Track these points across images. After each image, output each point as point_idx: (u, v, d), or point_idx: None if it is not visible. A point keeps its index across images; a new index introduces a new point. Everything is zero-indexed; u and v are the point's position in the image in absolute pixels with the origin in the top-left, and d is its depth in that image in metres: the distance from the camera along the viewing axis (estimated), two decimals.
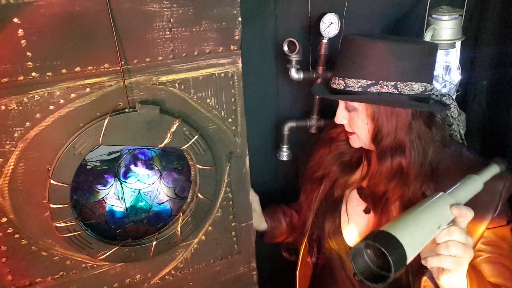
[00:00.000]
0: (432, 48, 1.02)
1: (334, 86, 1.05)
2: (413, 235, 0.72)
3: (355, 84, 1.00)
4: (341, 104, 1.08)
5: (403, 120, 1.00)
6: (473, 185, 0.86)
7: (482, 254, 0.96)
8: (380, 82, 0.98)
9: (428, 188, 1.02)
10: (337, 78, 1.04)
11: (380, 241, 0.68)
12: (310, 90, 1.18)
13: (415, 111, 1.00)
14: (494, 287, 0.92)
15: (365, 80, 0.99)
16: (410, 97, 0.99)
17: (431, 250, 0.79)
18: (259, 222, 1.35)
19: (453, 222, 0.79)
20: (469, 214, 0.79)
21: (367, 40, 0.98)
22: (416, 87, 0.99)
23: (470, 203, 0.86)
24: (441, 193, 0.82)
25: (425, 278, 0.90)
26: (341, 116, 1.09)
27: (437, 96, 1.10)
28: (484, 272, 0.94)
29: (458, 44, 1.48)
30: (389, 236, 0.69)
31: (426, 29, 1.46)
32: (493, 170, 0.93)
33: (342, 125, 1.13)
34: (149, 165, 1.24)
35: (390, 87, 0.98)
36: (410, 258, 0.69)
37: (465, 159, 1.05)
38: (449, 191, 0.83)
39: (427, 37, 1.46)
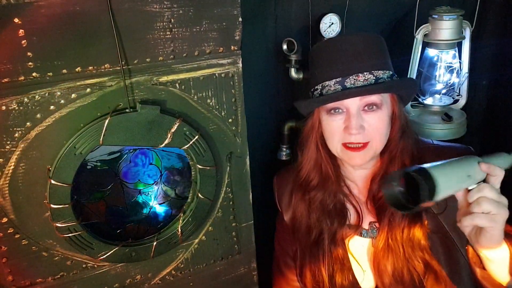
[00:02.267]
0: None
1: (359, 83, 0.93)
2: (445, 174, 0.74)
3: (384, 75, 0.95)
4: (354, 108, 0.94)
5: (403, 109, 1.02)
6: (503, 160, 0.85)
7: None
8: (393, 72, 0.98)
9: None
10: (359, 74, 0.93)
11: (414, 171, 0.72)
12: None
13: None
14: None
15: (389, 71, 0.97)
16: None
17: (465, 212, 0.80)
18: None
19: (485, 180, 0.80)
20: (498, 171, 0.78)
21: (372, 35, 0.98)
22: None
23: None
24: (471, 156, 0.82)
25: (469, 247, 0.88)
26: (359, 123, 0.94)
27: None
28: None
29: (466, 46, 1.49)
30: (423, 171, 0.72)
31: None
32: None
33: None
34: (149, 165, 1.24)
35: (394, 76, 0.99)
36: (440, 192, 0.71)
37: (440, 148, 1.07)
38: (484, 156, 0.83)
39: (419, 36, 1.47)
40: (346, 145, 0.97)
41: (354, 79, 0.93)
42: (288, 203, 1.16)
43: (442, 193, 0.72)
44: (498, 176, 0.79)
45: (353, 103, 0.94)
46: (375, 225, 1.06)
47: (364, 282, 1.07)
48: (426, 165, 0.74)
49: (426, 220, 0.99)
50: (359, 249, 1.07)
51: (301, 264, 1.12)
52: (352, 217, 1.07)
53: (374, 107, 0.95)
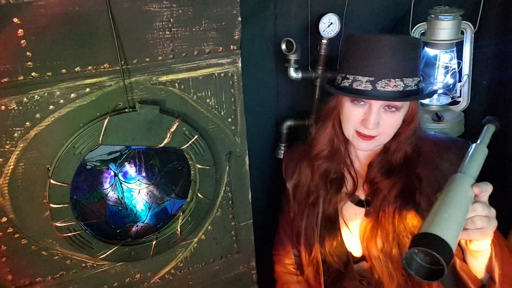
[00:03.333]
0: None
1: (389, 88, 0.99)
2: (451, 228, 0.76)
3: (412, 83, 1.01)
4: (376, 107, 1.01)
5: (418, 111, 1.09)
6: (481, 154, 0.89)
7: None
8: (421, 77, 1.04)
9: (420, 170, 1.07)
10: (391, 80, 0.99)
11: (428, 244, 0.72)
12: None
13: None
14: (508, 247, 0.97)
15: (417, 78, 1.03)
16: None
17: None
18: None
19: (475, 197, 0.83)
20: (488, 188, 0.82)
21: (411, 38, 1.04)
22: None
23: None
24: (458, 175, 0.84)
25: None
26: (377, 120, 1.01)
27: None
28: None
29: (467, 47, 1.48)
30: (433, 237, 0.73)
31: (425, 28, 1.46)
32: (490, 131, 0.97)
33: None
34: (149, 165, 1.25)
35: (421, 82, 1.05)
36: (454, 247, 0.73)
37: (438, 139, 1.13)
38: (462, 168, 0.86)
39: (415, 34, 1.48)
40: (358, 132, 1.06)
41: (385, 83, 0.99)
42: (293, 171, 1.24)
43: (455, 244, 0.74)
44: (488, 191, 0.83)
45: (377, 102, 1.01)
46: (369, 198, 1.13)
47: (353, 249, 1.14)
48: (431, 227, 0.75)
49: (420, 200, 1.04)
50: (352, 216, 1.15)
51: (297, 227, 1.21)
52: (349, 186, 1.16)
53: (394, 108, 1.02)
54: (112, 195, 1.20)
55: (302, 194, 1.21)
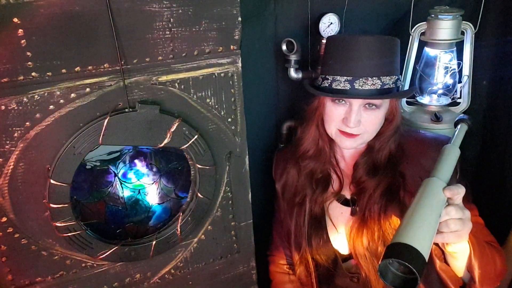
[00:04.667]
0: None
1: (366, 87, 1.01)
2: (424, 236, 0.76)
3: (389, 81, 1.04)
4: (356, 105, 1.04)
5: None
6: (452, 156, 0.90)
7: None
8: (399, 76, 1.07)
9: (404, 168, 1.10)
10: (369, 78, 1.01)
11: (400, 255, 0.73)
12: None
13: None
14: (488, 245, 1.00)
15: (395, 76, 1.05)
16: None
17: None
18: None
19: (449, 200, 0.83)
20: (460, 190, 0.83)
21: (388, 38, 1.05)
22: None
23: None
24: (429, 180, 0.84)
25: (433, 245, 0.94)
26: (357, 118, 1.05)
27: None
28: None
29: (467, 48, 1.48)
30: (405, 247, 0.73)
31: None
32: (463, 130, 0.98)
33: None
34: (149, 165, 1.25)
35: (399, 80, 1.08)
36: (427, 255, 0.73)
37: (421, 137, 1.16)
38: (434, 171, 0.86)
39: (415, 34, 1.47)
40: (340, 131, 1.09)
41: (363, 82, 1.02)
42: (281, 172, 1.28)
43: (428, 251, 0.74)
44: (461, 194, 0.83)
45: (356, 101, 1.04)
46: (355, 197, 1.15)
47: (340, 248, 1.16)
48: (403, 236, 0.75)
49: (405, 197, 1.07)
50: (338, 215, 1.18)
51: (287, 228, 1.25)
52: (335, 185, 1.19)
53: (374, 106, 1.05)
54: (112, 195, 1.20)
55: (289, 194, 1.24)
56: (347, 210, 1.16)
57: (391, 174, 1.09)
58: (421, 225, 0.77)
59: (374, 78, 1.02)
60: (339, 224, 1.16)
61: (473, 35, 1.48)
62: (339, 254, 1.17)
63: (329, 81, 1.06)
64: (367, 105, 1.05)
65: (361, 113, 1.05)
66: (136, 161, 1.25)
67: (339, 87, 1.04)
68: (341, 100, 1.06)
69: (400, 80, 1.08)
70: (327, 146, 1.18)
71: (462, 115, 1.04)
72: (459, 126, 1.00)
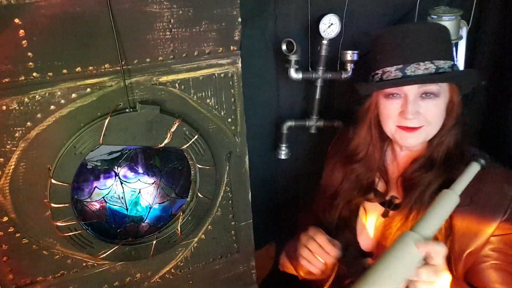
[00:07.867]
0: None
1: (419, 72, 0.95)
2: None
3: (445, 65, 0.96)
4: (412, 95, 0.96)
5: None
6: (447, 206, 0.82)
7: (489, 260, 0.94)
8: (454, 62, 0.99)
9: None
10: (420, 63, 0.95)
11: None
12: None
13: None
14: None
15: (451, 61, 0.98)
16: None
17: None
18: None
19: (426, 258, 0.76)
20: (439, 249, 0.76)
21: (436, 23, 1.01)
22: None
23: (479, 204, 0.88)
24: (406, 232, 0.78)
25: None
26: (415, 109, 0.97)
27: None
28: (490, 278, 0.94)
29: (461, 47, 1.48)
30: None
31: None
32: (473, 171, 0.88)
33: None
34: (149, 165, 1.25)
35: (456, 66, 1.00)
36: None
37: (506, 173, 1.03)
38: (417, 222, 0.80)
39: None
40: (400, 126, 1.01)
41: (415, 67, 0.95)
42: (332, 167, 1.22)
43: None
44: (440, 253, 0.77)
45: (411, 90, 0.97)
46: (395, 198, 1.09)
47: (363, 244, 1.13)
48: (366, 283, 0.73)
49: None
50: (371, 212, 1.12)
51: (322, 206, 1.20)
52: (379, 187, 1.13)
53: (432, 95, 0.97)
54: (112, 194, 1.20)
55: (329, 193, 1.20)
56: (381, 209, 1.11)
57: (449, 173, 0.98)
58: (384, 282, 0.73)
59: (426, 62, 0.95)
60: (370, 221, 1.12)
61: (468, 32, 1.47)
62: (359, 249, 1.12)
63: (379, 75, 1.00)
64: (423, 95, 0.97)
65: (419, 104, 0.97)
66: (136, 161, 1.25)
67: (390, 78, 0.97)
68: (395, 94, 0.99)
69: (457, 66, 1.00)
70: (377, 152, 1.11)
71: (475, 149, 0.95)
72: (471, 166, 0.88)
